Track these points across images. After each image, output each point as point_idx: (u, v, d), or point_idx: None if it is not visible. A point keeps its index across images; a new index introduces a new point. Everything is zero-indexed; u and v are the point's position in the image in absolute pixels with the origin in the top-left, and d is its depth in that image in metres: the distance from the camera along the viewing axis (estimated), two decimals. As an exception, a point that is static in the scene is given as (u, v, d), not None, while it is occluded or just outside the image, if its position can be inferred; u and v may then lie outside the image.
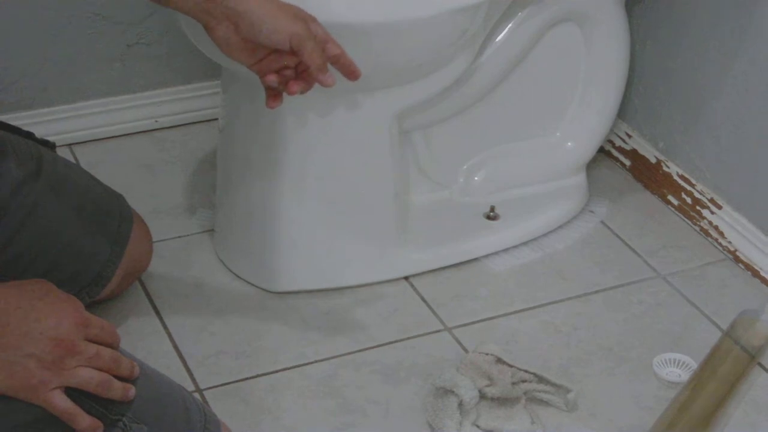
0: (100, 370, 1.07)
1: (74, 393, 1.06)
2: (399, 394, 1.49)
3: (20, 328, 1.04)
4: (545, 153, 1.82)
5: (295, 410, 1.46)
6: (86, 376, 1.06)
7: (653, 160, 1.89)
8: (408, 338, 1.58)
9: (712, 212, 1.79)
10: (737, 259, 1.75)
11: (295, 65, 1.32)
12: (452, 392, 1.41)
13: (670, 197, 1.87)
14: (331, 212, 1.61)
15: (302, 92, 1.34)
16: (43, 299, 1.07)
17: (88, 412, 1.07)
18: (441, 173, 1.77)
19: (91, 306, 1.49)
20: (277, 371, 1.52)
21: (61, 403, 1.05)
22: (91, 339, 1.08)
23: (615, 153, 1.97)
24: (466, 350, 1.56)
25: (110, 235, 1.48)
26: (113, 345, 1.10)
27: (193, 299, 1.63)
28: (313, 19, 1.32)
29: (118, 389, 1.08)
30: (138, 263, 1.57)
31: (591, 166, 1.88)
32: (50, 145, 1.49)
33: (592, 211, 1.85)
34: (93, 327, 1.08)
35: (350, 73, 1.35)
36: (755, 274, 1.73)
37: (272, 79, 1.32)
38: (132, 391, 1.10)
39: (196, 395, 1.47)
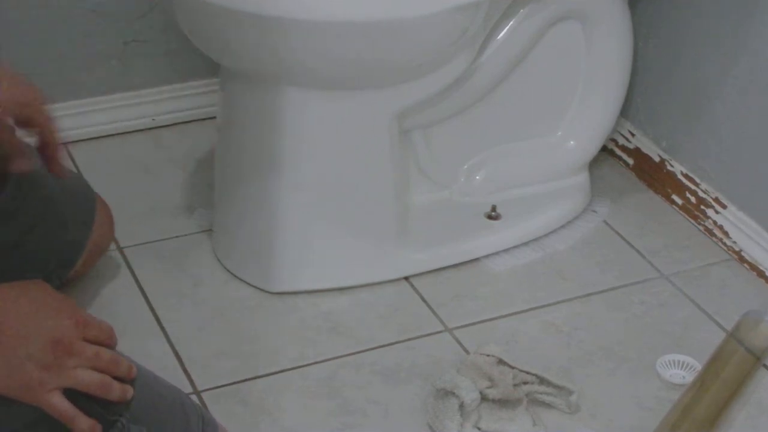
0: (99, 371, 1.06)
1: (71, 393, 1.05)
2: (399, 395, 1.48)
3: (18, 329, 1.03)
4: (546, 152, 1.81)
5: (295, 411, 1.45)
6: (85, 378, 1.05)
7: (656, 159, 1.88)
8: (408, 339, 1.58)
9: (717, 212, 1.78)
10: (741, 260, 1.74)
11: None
12: (453, 394, 1.41)
13: (673, 196, 1.86)
14: (330, 212, 1.60)
15: None
16: (41, 300, 1.06)
17: (86, 413, 1.06)
18: (441, 173, 1.77)
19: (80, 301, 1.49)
20: (276, 372, 1.51)
21: (60, 404, 1.04)
22: (89, 340, 1.07)
23: (618, 152, 1.96)
24: (466, 351, 1.55)
25: (77, 216, 1.50)
26: (111, 346, 1.10)
27: (191, 299, 1.63)
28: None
29: (117, 391, 1.07)
30: (101, 242, 1.58)
31: (593, 165, 1.88)
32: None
33: (594, 211, 1.84)
34: (91, 328, 1.08)
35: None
36: (760, 274, 1.72)
37: None
38: (130, 392, 1.09)
39: (194, 397, 1.46)
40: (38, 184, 1.41)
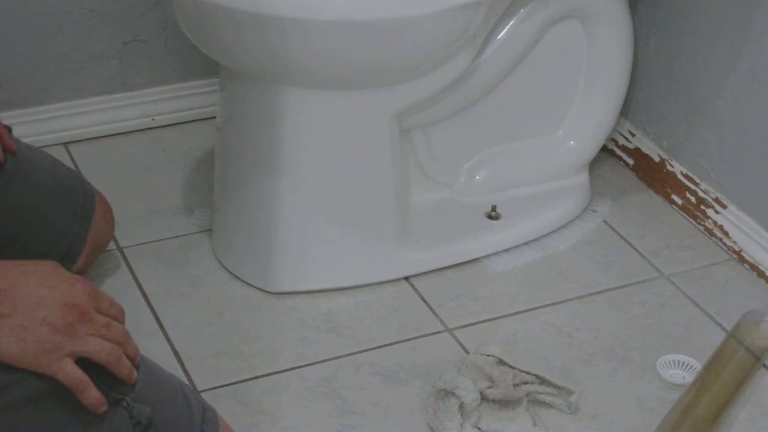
0: (110, 342, 1.06)
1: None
2: (399, 395, 1.48)
3: (33, 294, 1.04)
4: (547, 152, 1.81)
5: (294, 412, 1.45)
6: (98, 345, 1.05)
7: (657, 159, 1.88)
8: (408, 339, 1.57)
9: (717, 212, 1.78)
10: (742, 259, 1.74)
11: None
12: (453, 394, 1.40)
13: (674, 196, 1.85)
14: (330, 212, 1.60)
15: None
16: (53, 272, 1.07)
17: None
18: (442, 172, 1.77)
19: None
20: (275, 372, 1.51)
21: (74, 372, 1.03)
22: (100, 312, 1.07)
23: (618, 152, 1.96)
24: (467, 351, 1.55)
25: (76, 210, 1.51)
26: (120, 322, 1.10)
27: (191, 300, 1.62)
28: None
29: (126, 364, 1.07)
30: (102, 238, 1.59)
31: (594, 164, 1.88)
32: (7, 129, 1.49)
33: (594, 211, 1.84)
34: (103, 300, 1.08)
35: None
36: (760, 274, 1.71)
37: None
38: (135, 373, 1.09)
39: (194, 397, 1.45)
40: (23, 174, 1.43)
